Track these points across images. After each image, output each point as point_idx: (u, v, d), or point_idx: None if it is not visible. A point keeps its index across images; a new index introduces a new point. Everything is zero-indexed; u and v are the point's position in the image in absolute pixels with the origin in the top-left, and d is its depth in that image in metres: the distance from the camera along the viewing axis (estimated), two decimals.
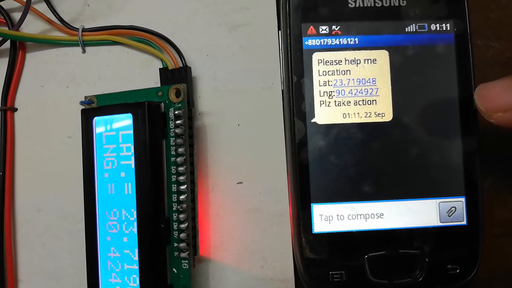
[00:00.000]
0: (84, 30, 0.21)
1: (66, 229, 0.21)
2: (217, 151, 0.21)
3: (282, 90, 0.21)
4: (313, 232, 0.20)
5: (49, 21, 0.21)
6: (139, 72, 0.21)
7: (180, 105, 0.18)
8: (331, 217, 0.20)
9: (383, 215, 0.20)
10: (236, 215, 0.20)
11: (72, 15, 0.21)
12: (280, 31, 0.21)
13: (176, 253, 0.18)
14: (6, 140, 0.21)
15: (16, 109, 0.21)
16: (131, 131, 0.18)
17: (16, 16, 0.21)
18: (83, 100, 0.20)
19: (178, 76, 0.20)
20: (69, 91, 0.21)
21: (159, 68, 0.20)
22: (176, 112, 0.18)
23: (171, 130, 0.18)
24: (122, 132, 0.18)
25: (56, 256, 0.21)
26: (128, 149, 0.18)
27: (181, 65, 0.20)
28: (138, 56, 0.21)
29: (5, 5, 0.21)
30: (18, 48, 0.21)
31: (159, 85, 0.20)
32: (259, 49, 0.21)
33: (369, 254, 0.20)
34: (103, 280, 0.18)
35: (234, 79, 0.21)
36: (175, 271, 0.18)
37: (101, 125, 0.19)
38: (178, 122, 0.18)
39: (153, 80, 0.21)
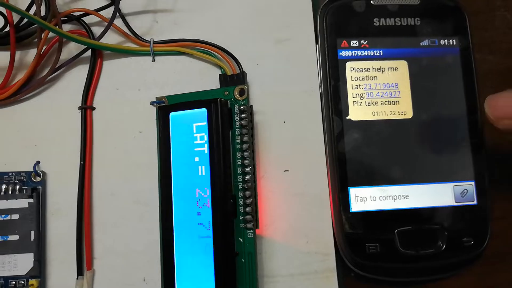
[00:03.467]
0: (154, 42, 0.25)
1: (135, 212, 0.24)
2: (267, 144, 0.24)
3: (320, 93, 0.25)
4: (350, 211, 0.23)
5: (124, 34, 0.25)
6: (200, 77, 0.25)
7: (244, 101, 0.22)
8: (365, 198, 0.24)
9: (408, 196, 0.24)
10: (284, 198, 0.24)
11: (143, 30, 0.25)
12: (317, 45, 0.25)
13: (242, 225, 0.21)
14: (86, 134, 0.24)
15: (94, 108, 0.25)
16: (205, 123, 0.21)
17: (95, 29, 0.25)
18: (153, 100, 0.24)
19: (236, 80, 0.24)
20: (140, 93, 0.25)
21: (219, 74, 0.24)
22: (242, 107, 0.22)
23: (236, 123, 0.22)
24: (195, 124, 0.22)
25: (126, 236, 0.24)
26: (201, 138, 0.21)
27: (238, 71, 0.24)
28: (198, 64, 0.25)
29: (86, 20, 0.25)
30: (97, 56, 0.25)
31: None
32: (300, 59, 0.25)
33: (398, 229, 0.23)
34: (177, 249, 0.21)
35: (280, 84, 0.25)
36: (241, 240, 0.21)
37: (176, 119, 0.22)
38: (243, 115, 0.22)
39: (212, 85, 0.25)
